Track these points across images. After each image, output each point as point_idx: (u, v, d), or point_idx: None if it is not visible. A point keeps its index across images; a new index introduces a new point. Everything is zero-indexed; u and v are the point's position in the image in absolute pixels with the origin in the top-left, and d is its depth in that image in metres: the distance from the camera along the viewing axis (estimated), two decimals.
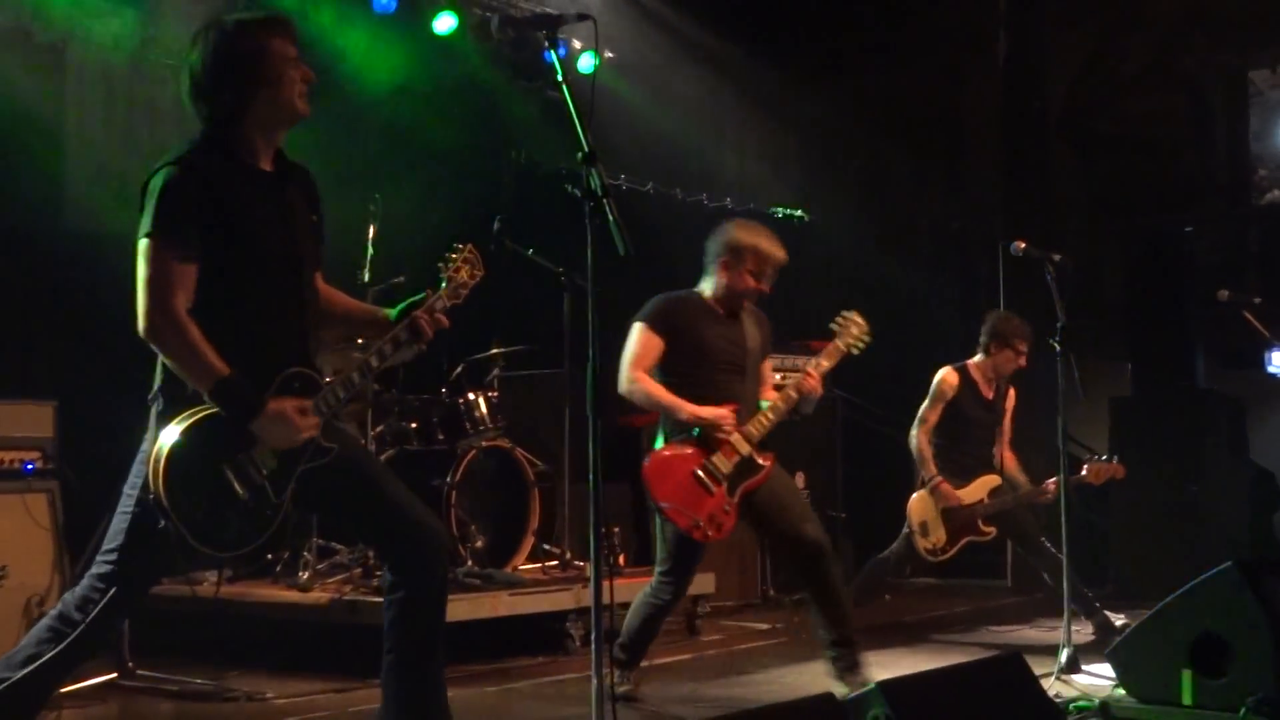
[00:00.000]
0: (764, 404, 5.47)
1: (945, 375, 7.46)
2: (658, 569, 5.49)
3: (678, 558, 5.41)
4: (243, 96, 3.74)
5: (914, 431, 7.42)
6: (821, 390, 5.45)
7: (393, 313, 4.07)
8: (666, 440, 5.42)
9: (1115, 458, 7.34)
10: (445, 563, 4.02)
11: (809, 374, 5.37)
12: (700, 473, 5.26)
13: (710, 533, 5.29)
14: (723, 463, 5.27)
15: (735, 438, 5.28)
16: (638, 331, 5.42)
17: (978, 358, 7.53)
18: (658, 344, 5.39)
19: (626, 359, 5.38)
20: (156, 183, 3.66)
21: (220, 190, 3.70)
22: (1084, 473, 7.25)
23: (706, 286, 5.57)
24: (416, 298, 4.07)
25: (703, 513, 5.24)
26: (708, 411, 5.27)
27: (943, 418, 7.42)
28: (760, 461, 5.32)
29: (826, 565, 5.31)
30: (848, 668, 5.25)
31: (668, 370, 5.40)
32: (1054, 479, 7.08)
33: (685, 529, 5.25)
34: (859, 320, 5.53)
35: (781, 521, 5.36)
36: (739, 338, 5.52)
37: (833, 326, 5.59)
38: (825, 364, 5.46)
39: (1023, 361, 7.46)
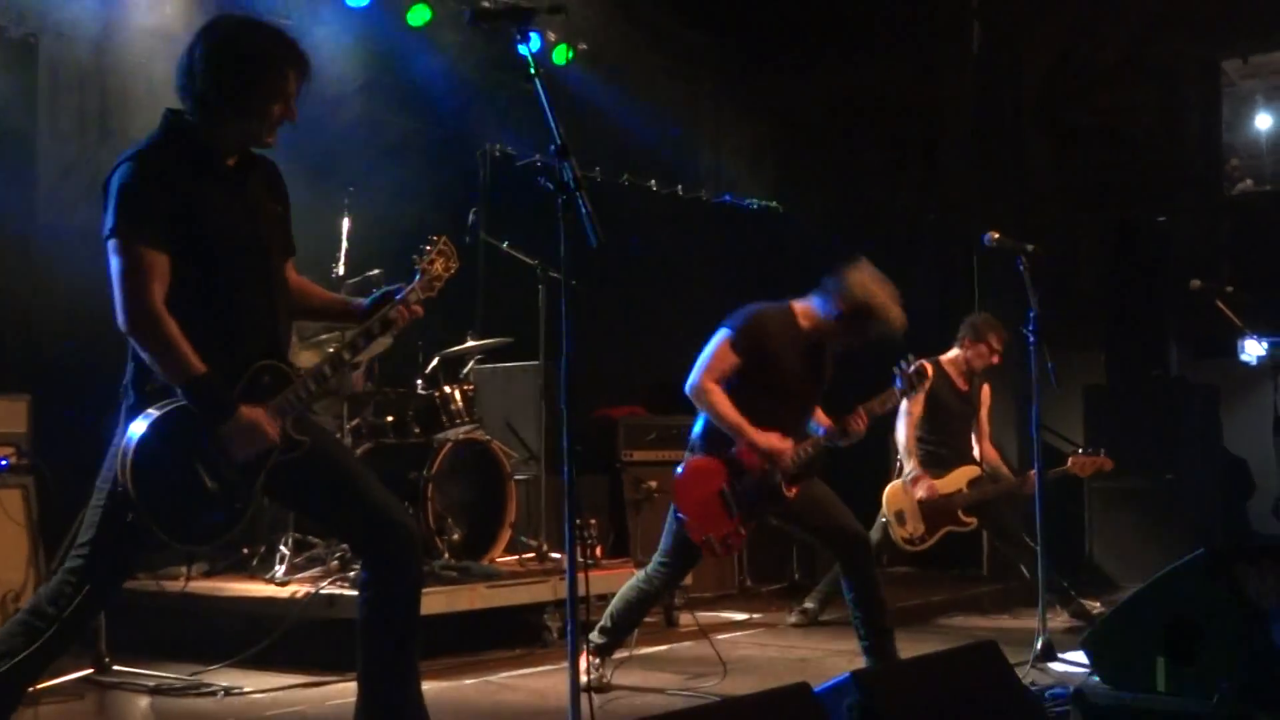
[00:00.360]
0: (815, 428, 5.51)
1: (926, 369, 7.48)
2: (657, 556, 5.57)
3: (680, 554, 5.51)
4: (225, 104, 3.74)
5: (899, 424, 7.45)
6: (864, 431, 5.47)
7: (366, 303, 4.07)
8: (707, 437, 5.46)
9: (1102, 451, 7.39)
10: (419, 558, 4.03)
11: (860, 416, 5.41)
12: (726, 492, 5.37)
13: (719, 550, 5.44)
14: (752, 487, 5.36)
15: (785, 456, 5.33)
16: (721, 342, 5.43)
17: (952, 352, 7.59)
18: (735, 362, 5.39)
19: (702, 363, 5.41)
20: (117, 179, 3.67)
21: (180, 182, 3.70)
22: (1069, 465, 7.30)
23: (809, 310, 5.50)
24: (389, 288, 4.07)
25: (718, 532, 5.38)
26: (765, 442, 5.30)
27: (927, 409, 7.46)
28: (786, 492, 5.39)
29: (867, 557, 5.50)
30: (882, 655, 5.38)
31: (736, 381, 5.40)
32: (1027, 474, 7.15)
33: (697, 542, 5.39)
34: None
35: (820, 518, 5.50)
36: (816, 372, 5.55)
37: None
38: (877, 409, 5.47)
39: (995, 359, 7.52)
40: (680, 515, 5.41)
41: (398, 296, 4.03)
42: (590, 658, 5.44)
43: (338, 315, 4.23)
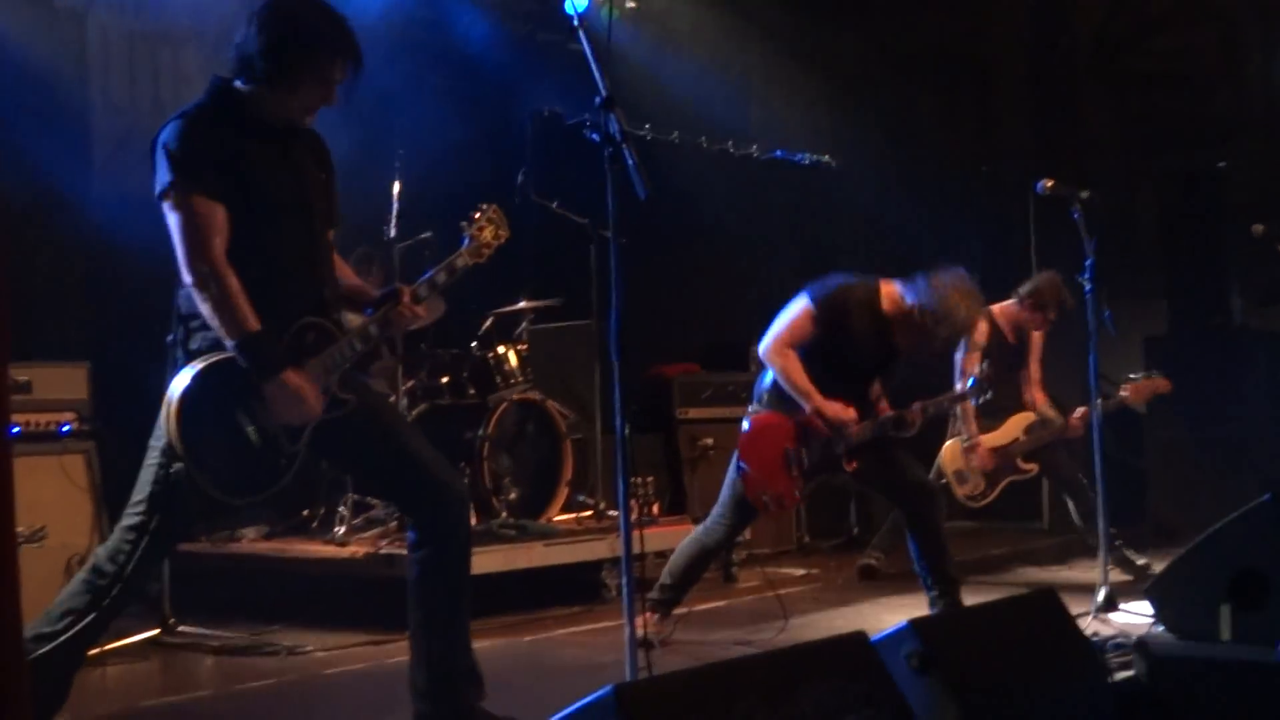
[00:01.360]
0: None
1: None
2: (715, 510, 5.63)
3: (738, 510, 5.56)
4: (271, 76, 3.78)
5: (957, 385, 7.34)
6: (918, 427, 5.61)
7: (378, 296, 4.05)
8: (778, 395, 5.51)
9: (1155, 371, 7.28)
10: (467, 519, 4.05)
11: (916, 413, 5.55)
12: (791, 452, 5.44)
13: (772, 507, 5.53)
14: (815, 451, 5.46)
15: (850, 424, 5.42)
16: (802, 310, 5.48)
17: (1009, 303, 7.46)
18: (812, 332, 5.45)
19: (779, 329, 5.48)
20: (164, 137, 3.72)
21: (226, 141, 3.74)
22: (1124, 394, 7.17)
23: (895, 295, 5.51)
24: (391, 288, 4.06)
25: (774, 489, 5.46)
26: (832, 411, 5.39)
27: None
28: (846, 466, 5.50)
29: (935, 509, 5.58)
30: (952, 605, 5.45)
31: (809, 351, 5.47)
32: (1081, 409, 7.07)
33: (750, 496, 5.44)
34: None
35: (886, 474, 5.59)
36: (886, 356, 5.61)
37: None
38: (932, 409, 5.67)
39: (1044, 328, 7.41)
40: (743, 465, 5.45)
41: (447, 261, 4.05)
42: (650, 614, 5.47)
43: (355, 302, 4.20)
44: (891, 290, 5.55)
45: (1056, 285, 7.39)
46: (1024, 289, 7.40)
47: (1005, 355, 7.43)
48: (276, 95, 3.81)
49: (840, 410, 5.40)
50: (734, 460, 5.55)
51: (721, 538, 5.64)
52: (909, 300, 5.46)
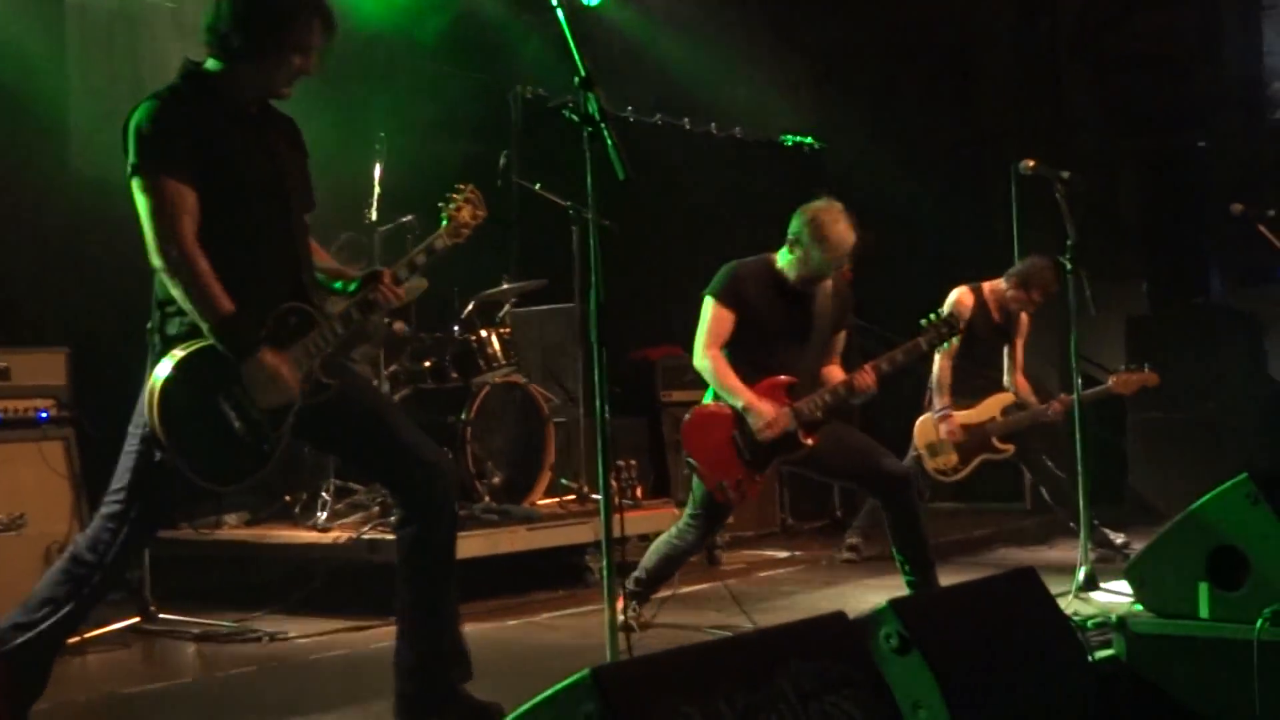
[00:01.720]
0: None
1: (961, 296, 7.40)
2: (687, 511, 5.54)
3: (707, 508, 5.46)
4: (247, 49, 3.74)
5: (936, 356, 7.35)
6: (875, 388, 5.40)
7: (353, 285, 4.03)
8: (715, 398, 5.45)
9: (1146, 366, 7.31)
10: (454, 497, 4.04)
11: (865, 372, 5.36)
12: (738, 438, 5.32)
13: (734, 496, 5.36)
14: (761, 435, 5.30)
15: (781, 417, 5.28)
16: (710, 307, 5.45)
17: (998, 283, 7.47)
18: (729, 318, 5.41)
19: (700, 335, 5.45)
20: (135, 118, 3.69)
21: (200, 122, 3.71)
22: (1110, 383, 7.21)
23: (782, 260, 5.49)
24: (375, 269, 4.04)
25: (730, 477, 5.32)
26: (760, 411, 5.27)
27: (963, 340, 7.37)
28: (802, 440, 5.34)
29: (910, 493, 5.48)
30: (928, 589, 5.39)
31: (733, 341, 5.43)
32: (1057, 398, 7.11)
33: (710, 489, 5.35)
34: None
35: (852, 461, 5.48)
36: (808, 311, 5.51)
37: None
38: (885, 366, 5.42)
39: (1030, 309, 7.42)
40: (690, 460, 5.38)
41: (426, 242, 4.04)
42: (624, 600, 5.45)
43: (330, 287, 4.17)
44: (774, 256, 5.53)
45: (1044, 268, 7.40)
46: (1014, 268, 7.42)
47: (990, 333, 7.44)
48: (254, 70, 3.77)
49: (767, 410, 5.27)
50: (685, 459, 5.47)
51: (694, 540, 5.53)
52: (785, 254, 5.44)
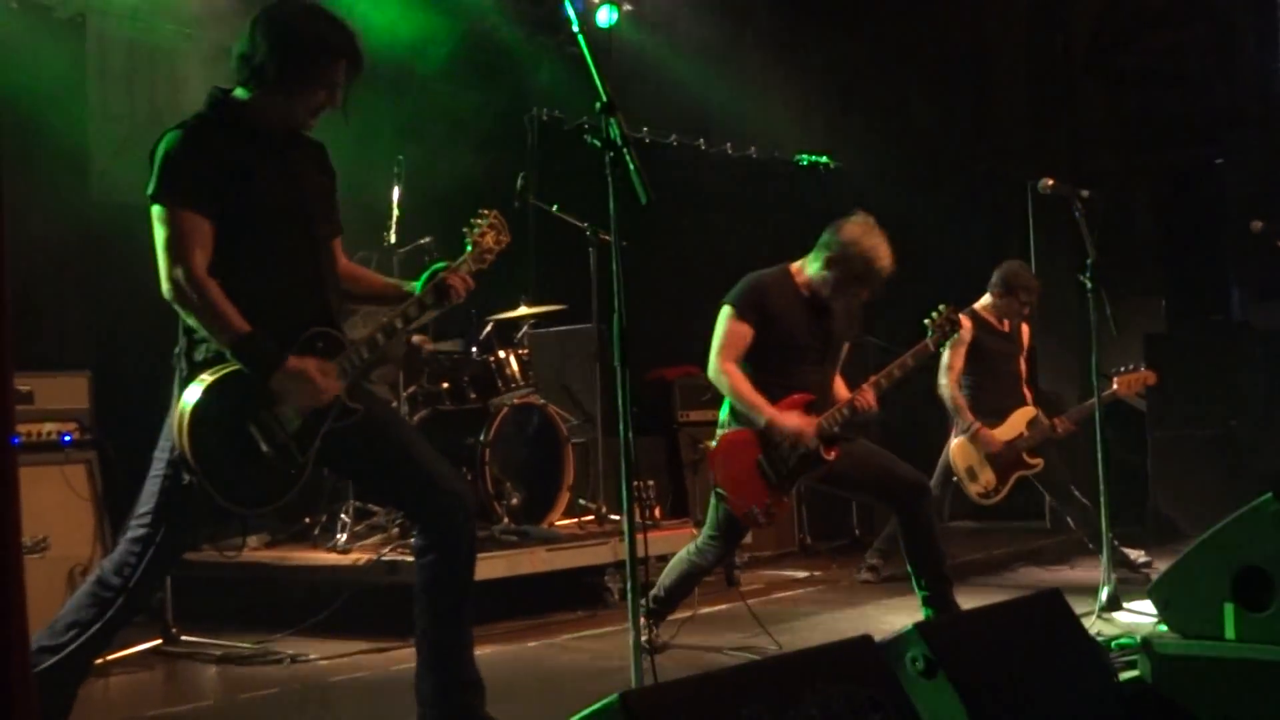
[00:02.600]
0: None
1: (962, 320, 7.41)
2: (706, 532, 5.51)
3: (727, 528, 5.44)
4: (278, 80, 3.79)
5: (942, 381, 7.37)
6: (875, 406, 5.40)
7: (417, 285, 4.08)
8: (736, 412, 5.42)
9: (1142, 365, 7.30)
10: (473, 526, 4.04)
11: (865, 393, 5.35)
12: (764, 462, 5.31)
13: (762, 520, 5.37)
14: (788, 455, 5.29)
15: (809, 425, 5.27)
16: (726, 318, 5.41)
17: (985, 300, 7.50)
18: (746, 332, 5.37)
19: (715, 346, 5.41)
20: (162, 146, 3.74)
21: (226, 151, 3.76)
22: (1114, 387, 7.20)
23: (805, 270, 5.48)
24: (438, 265, 4.09)
25: (760, 502, 5.30)
26: (787, 423, 5.25)
27: (967, 360, 7.38)
28: (825, 455, 5.33)
29: (925, 500, 5.48)
30: (943, 604, 5.40)
31: (751, 355, 5.40)
32: (1056, 418, 7.12)
33: (740, 516, 5.33)
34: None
35: (871, 473, 5.47)
36: (827, 326, 5.50)
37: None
38: (884, 383, 5.42)
39: (1026, 312, 7.42)
40: (719, 489, 5.35)
41: (449, 269, 4.06)
42: (643, 620, 5.42)
43: (393, 299, 4.21)
44: (797, 266, 5.52)
45: (1018, 269, 7.45)
46: (992, 281, 7.45)
47: (1001, 346, 7.43)
48: (281, 100, 3.82)
49: (793, 420, 5.25)
50: (713, 488, 5.45)
51: (713, 559, 5.52)
52: (813, 266, 5.43)
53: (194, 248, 3.66)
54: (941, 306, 5.51)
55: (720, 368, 5.37)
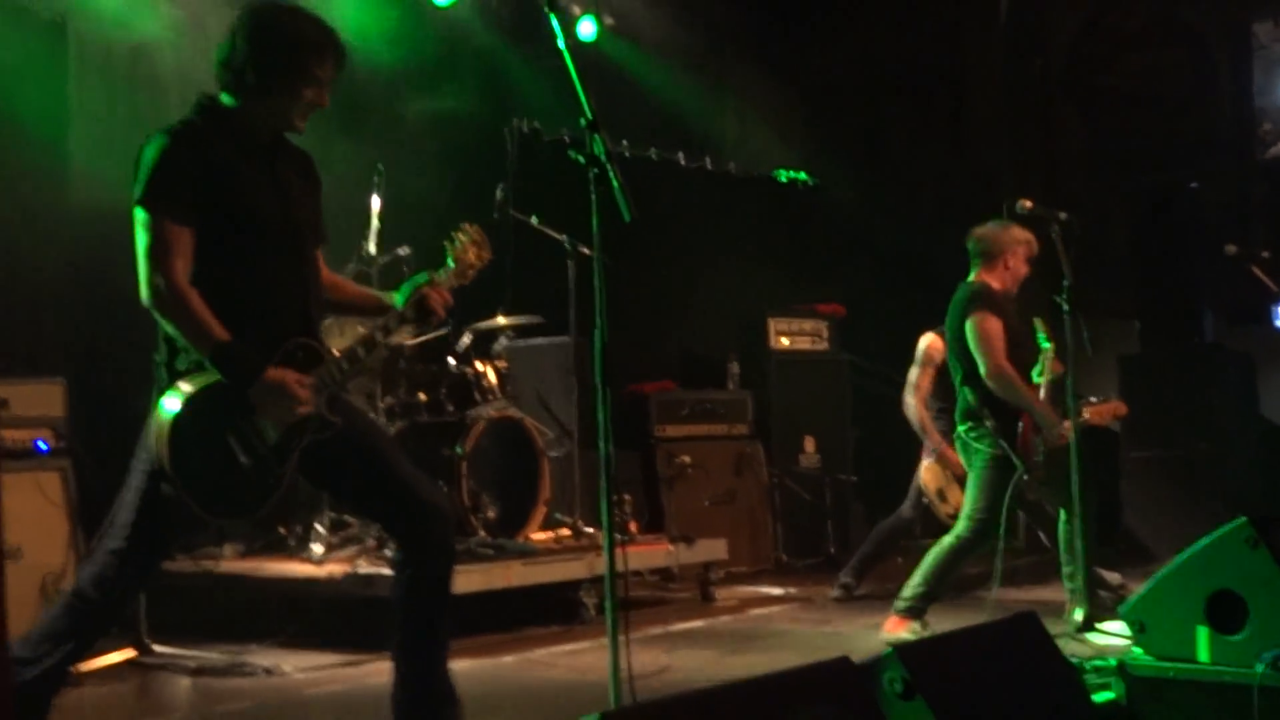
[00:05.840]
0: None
1: (930, 341, 7.50)
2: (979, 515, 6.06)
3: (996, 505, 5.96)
4: (261, 85, 3.79)
5: (909, 400, 7.43)
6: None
7: (398, 297, 4.08)
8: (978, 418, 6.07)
9: (1114, 396, 7.34)
10: (451, 539, 4.04)
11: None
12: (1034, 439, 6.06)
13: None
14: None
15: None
16: (989, 321, 5.99)
17: None
18: (1001, 335, 6.01)
19: (990, 348, 5.97)
20: (149, 151, 3.72)
21: (212, 158, 3.75)
22: (1085, 416, 7.23)
23: (991, 279, 6.16)
24: (419, 277, 4.09)
25: (1038, 473, 6.06)
26: (1054, 417, 6.04)
27: (938, 380, 7.43)
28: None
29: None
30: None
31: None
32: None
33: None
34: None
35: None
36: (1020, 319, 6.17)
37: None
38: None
39: None
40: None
41: (430, 284, 4.06)
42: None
43: (373, 310, 4.22)
44: (987, 279, 6.18)
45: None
46: None
47: None
48: (267, 105, 3.81)
49: (1056, 420, 6.01)
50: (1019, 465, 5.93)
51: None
52: (1005, 276, 6.19)
53: (175, 256, 3.65)
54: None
55: (1002, 365, 5.96)
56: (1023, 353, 6.10)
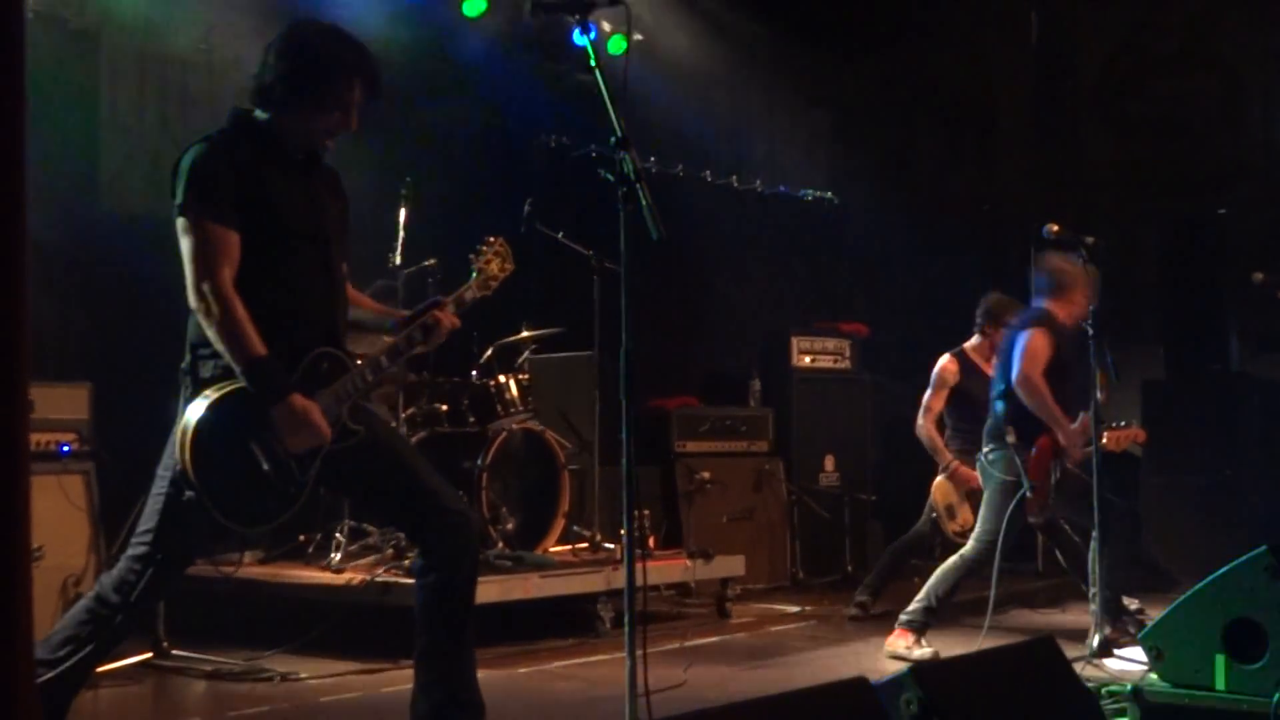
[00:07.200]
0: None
1: (944, 363, 7.54)
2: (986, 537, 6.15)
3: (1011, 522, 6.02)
4: (289, 102, 3.84)
5: (920, 421, 7.48)
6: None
7: (407, 315, 4.12)
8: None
9: (1134, 422, 7.31)
10: (476, 547, 4.06)
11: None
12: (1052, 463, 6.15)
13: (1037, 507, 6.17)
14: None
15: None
16: (1041, 338, 6.11)
17: (974, 340, 7.56)
18: (1049, 355, 6.11)
19: (1030, 359, 6.08)
20: (187, 160, 3.77)
21: (247, 168, 3.80)
22: (1104, 441, 7.21)
23: (1058, 309, 6.24)
24: (431, 300, 4.13)
25: (1043, 495, 6.11)
26: (1076, 434, 6.13)
27: (954, 402, 7.46)
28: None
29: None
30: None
31: (1047, 374, 6.14)
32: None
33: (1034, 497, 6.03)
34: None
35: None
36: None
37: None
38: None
39: None
40: (1031, 483, 6.06)
41: (450, 296, 4.11)
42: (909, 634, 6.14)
43: (380, 327, 4.25)
44: (1052, 308, 6.26)
45: (999, 299, 7.49)
46: (978, 316, 7.52)
47: (985, 389, 7.44)
48: (297, 121, 3.86)
49: (1079, 437, 6.10)
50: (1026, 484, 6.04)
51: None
52: (1071, 308, 6.21)
53: (223, 261, 3.69)
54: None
55: (1035, 376, 6.05)
56: (1067, 386, 6.16)
